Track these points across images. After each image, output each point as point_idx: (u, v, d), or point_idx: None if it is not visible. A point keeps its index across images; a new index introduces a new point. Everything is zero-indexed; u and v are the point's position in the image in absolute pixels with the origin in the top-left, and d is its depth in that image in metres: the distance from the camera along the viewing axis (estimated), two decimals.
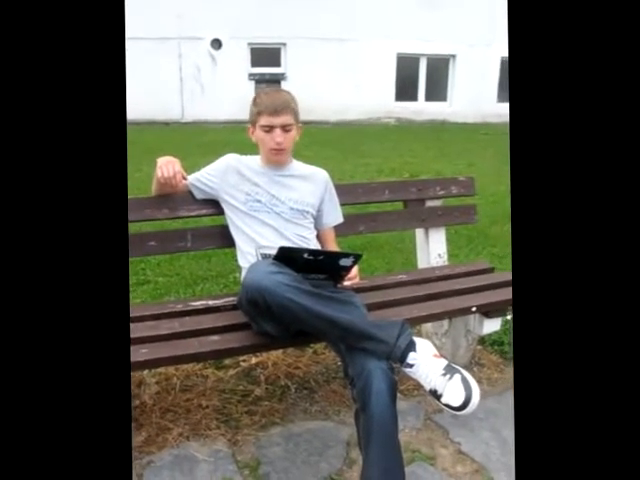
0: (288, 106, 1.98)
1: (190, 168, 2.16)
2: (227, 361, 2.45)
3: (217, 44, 11.67)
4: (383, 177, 6.31)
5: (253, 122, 2.02)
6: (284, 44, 12.13)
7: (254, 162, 2.10)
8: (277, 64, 12.35)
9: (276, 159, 2.04)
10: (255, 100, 2.02)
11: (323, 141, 8.88)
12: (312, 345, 2.53)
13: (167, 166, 1.96)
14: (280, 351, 2.48)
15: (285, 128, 1.98)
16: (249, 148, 2.13)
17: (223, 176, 2.07)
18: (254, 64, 12.13)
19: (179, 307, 2.01)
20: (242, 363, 2.45)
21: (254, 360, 2.47)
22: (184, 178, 2.06)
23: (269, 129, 1.97)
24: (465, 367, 2.41)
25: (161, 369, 2.31)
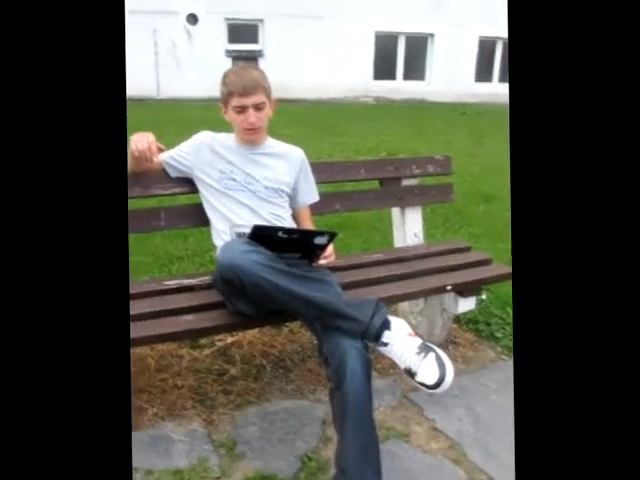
0: (258, 85, 1.93)
1: (166, 146, 2.12)
2: (202, 340, 2.43)
3: (193, 19, 11.48)
4: (360, 156, 6.29)
5: (224, 102, 1.98)
6: (261, 20, 11.97)
7: (229, 140, 2.07)
8: (254, 41, 12.19)
9: (251, 139, 2.02)
10: (224, 80, 1.97)
11: (300, 120, 8.82)
12: (288, 324, 2.53)
13: (141, 139, 1.92)
14: (256, 330, 2.48)
15: (257, 107, 1.94)
16: (226, 126, 2.09)
17: (197, 154, 2.04)
18: (231, 40, 11.97)
19: (153, 287, 1.98)
20: (218, 342, 2.44)
21: (230, 339, 2.46)
22: (159, 149, 2.02)
23: (241, 109, 1.94)
24: (440, 345, 2.43)
25: (135, 349, 2.28)
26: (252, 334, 2.49)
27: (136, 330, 1.70)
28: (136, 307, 1.81)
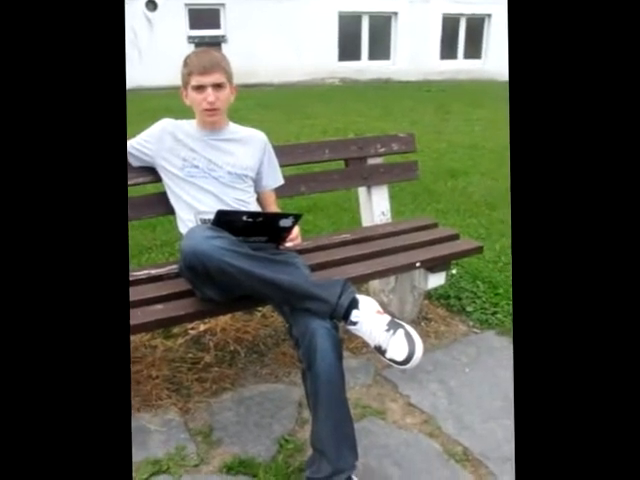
0: (218, 64, 1.93)
1: (134, 137, 2.09)
2: (175, 330, 2.43)
3: (152, 5, 11.26)
4: (328, 137, 6.28)
5: (184, 84, 1.97)
6: (223, 4, 11.80)
7: (190, 126, 2.05)
8: (217, 26, 12.02)
9: (210, 120, 2.00)
10: (185, 62, 1.97)
11: (267, 104, 8.76)
12: (260, 309, 2.53)
13: None
14: (228, 316, 2.47)
15: (216, 87, 1.93)
16: (191, 114, 2.07)
17: (159, 142, 2.02)
18: (192, 26, 11.78)
19: None
20: (190, 331, 2.43)
21: (202, 327, 2.45)
22: None
23: (200, 89, 1.92)
24: (413, 322, 2.46)
25: None
26: (224, 320, 2.48)
27: None
28: None
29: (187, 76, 1.94)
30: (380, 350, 1.61)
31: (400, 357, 1.57)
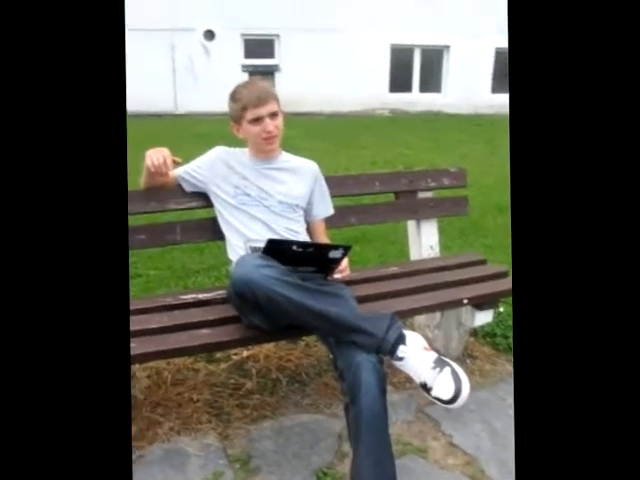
0: (270, 93, 1.96)
1: (185, 161, 2.13)
2: (218, 354, 2.44)
3: (210, 35, 11.59)
4: (377, 169, 6.29)
5: (237, 119, 1.99)
6: (277, 35, 12.05)
7: (243, 155, 2.09)
8: (271, 55, 12.27)
9: (270, 148, 2.03)
10: (235, 96, 1.99)
11: (317, 133, 8.84)
12: (304, 338, 2.52)
13: (156, 154, 1.94)
14: (272, 344, 2.47)
15: (272, 115, 1.96)
16: (242, 140, 2.11)
17: (212, 169, 2.06)
18: (247, 55, 12.05)
19: (169, 301, 1.99)
20: (233, 356, 2.44)
21: (245, 353, 2.46)
22: (175, 162, 2.03)
23: (257, 120, 1.95)
24: (457, 359, 2.42)
25: (152, 363, 2.29)
26: (268, 348, 2.49)
27: (152, 344, 1.71)
28: (152, 321, 1.82)
29: (241, 111, 1.96)
30: (425, 388, 1.58)
31: (446, 396, 1.54)
